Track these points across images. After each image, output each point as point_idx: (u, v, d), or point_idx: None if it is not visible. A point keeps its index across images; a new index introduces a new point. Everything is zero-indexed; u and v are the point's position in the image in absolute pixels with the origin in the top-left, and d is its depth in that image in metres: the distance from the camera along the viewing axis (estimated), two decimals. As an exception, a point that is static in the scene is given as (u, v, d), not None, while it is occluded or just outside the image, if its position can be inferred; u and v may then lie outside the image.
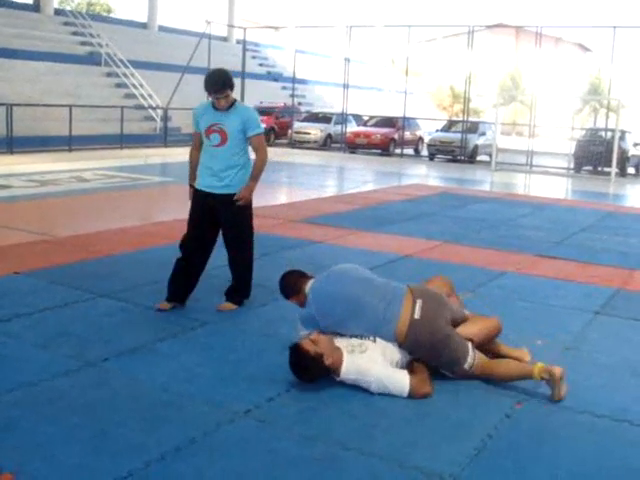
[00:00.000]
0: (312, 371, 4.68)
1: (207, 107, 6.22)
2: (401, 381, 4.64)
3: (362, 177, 20.91)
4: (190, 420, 4.21)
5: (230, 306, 6.46)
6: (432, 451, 3.96)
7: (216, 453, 3.85)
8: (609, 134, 25.04)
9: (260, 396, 4.59)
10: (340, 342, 4.87)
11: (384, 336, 4.87)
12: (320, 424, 4.25)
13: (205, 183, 6.24)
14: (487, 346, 5.12)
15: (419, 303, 4.88)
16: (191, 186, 6.42)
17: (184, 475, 3.59)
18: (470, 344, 4.88)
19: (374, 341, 4.85)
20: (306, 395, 4.65)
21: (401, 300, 4.92)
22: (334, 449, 3.95)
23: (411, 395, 4.61)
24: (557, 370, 4.68)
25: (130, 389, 4.63)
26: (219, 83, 5.99)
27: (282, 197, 16.05)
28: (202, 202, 6.27)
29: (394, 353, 4.84)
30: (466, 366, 4.83)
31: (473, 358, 4.84)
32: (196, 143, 6.37)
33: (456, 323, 5.00)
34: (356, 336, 4.92)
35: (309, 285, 5.21)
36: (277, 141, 31.91)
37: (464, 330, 4.97)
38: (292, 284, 5.34)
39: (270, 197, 15.37)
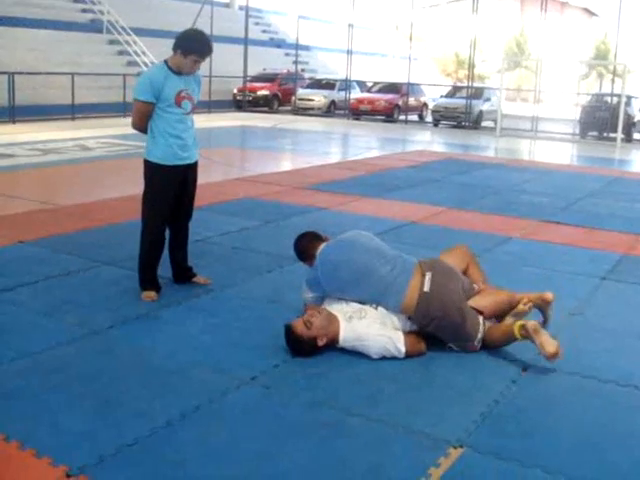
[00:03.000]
0: (307, 351, 4.68)
1: (166, 72, 5.54)
2: (398, 341, 4.65)
3: (366, 144, 20.84)
4: (195, 387, 4.21)
5: (204, 279, 6.21)
6: (438, 417, 3.96)
7: (222, 420, 3.85)
8: (615, 99, 24.87)
9: (266, 363, 4.58)
10: (338, 308, 4.88)
11: (389, 306, 4.85)
12: (326, 390, 4.25)
13: (179, 156, 5.67)
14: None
15: (428, 276, 4.83)
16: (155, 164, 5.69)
17: (189, 442, 3.59)
18: (481, 318, 4.85)
19: (376, 308, 4.85)
20: (312, 361, 4.64)
21: (411, 272, 4.88)
22: (340, 415, 3.95)
23: (407, 354, 4.66)
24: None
25: (135, 357, 4.62)
26: (210, 47, 5.59)
27: (286, 164, 16.01)
28: (175, 178, 5.70)
29: (395, 322, 4.82)
30: (476, 342, 4.81)
31: (482, 333, 4.82)
32: (148, 115, 5.61)
33: (467, 297, 4.95)
34: (346, 301, 4.94)
35: (320, 248, 5.20)
36: (280, 108, 31.79)
37: (474, 303, 4.91)
38: (304, 247, 5.36)
39: (274, 164, 15.35)
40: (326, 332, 4.69)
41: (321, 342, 4.67)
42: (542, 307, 5.05)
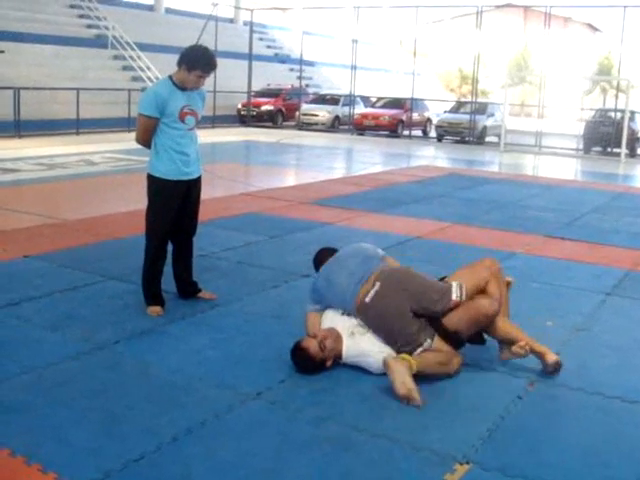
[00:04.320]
0: (314, 370, 4.69)
1: (171, 88, 5.58)
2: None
3: (370, 159, 20.86)
4: (201, 402, 4.21)
5: (209, 294, 6.21)
6: (444, 432, 3.95)
7: (227, 435, 3.85)
8: (618, 115, 24.89)
9: (271, 378, 4.58)
10: (340, 323, 4.89)
11: (351, 314, 4.90)
12: (331, 405, 4.25)
13: (183, 171, 5.69)
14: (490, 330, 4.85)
15: (376, 287, 4.75)
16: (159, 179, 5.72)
17: (195, 457, 3.59)
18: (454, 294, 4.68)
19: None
20: (317, 377, 4.64)
21: (366, 280, 4.83)
22: (346, 430, 3.95)
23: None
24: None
25: (140, 372, 4.63)
26: (214, 63, 5.60)
27: (290, 179, 16.04)
28: (178, 193, 5.71)
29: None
30: (418, 350, 4.61)
31: (430, 342, 4.62)
32: (152, 130, 5.63)
33: (436, 312, 4.67)
34: (345, 313, 4.95)
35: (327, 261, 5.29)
36: (285, 123, 31.85)
37: (446, 320, 4.66)
38: (319, 259, 5.42)
39: (278, 179, 15.38)
40: (335, 353, 4.72)
41: (329, 363, 4.70)
42: (543, 364, 4.83)
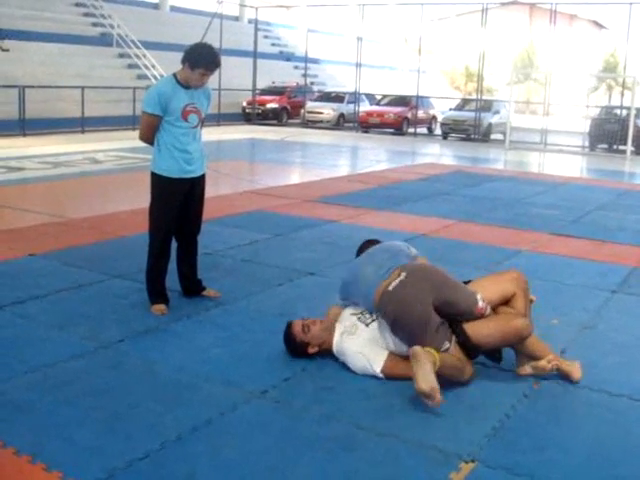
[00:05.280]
0: (297, 352, 4.86)
1: (174, 86, 5.58)
2: (374, 362, 4.60)
3: (375, 156, 20.85)
4: (206, 401, 4.20)
5: (214, 292, 6.21)
6: (449, 431, 3.94)
7: (232, 433, 3.84)
8: (624, 112, 24.83)
9: (276, 376, 4.58)
10: (343, 320, 4.91)
11: (367, 304, 4.83)
12: (336, 404, 4.24)
13: (185, 169, 5.69)
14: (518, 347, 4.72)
15: (401, 277, 4.65)
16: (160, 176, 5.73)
17: (200, 455, 3.59)
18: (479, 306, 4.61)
19: (367, 326, 4.80)
20: (322, 375, 4.64)
21: (390, 272, 4.73)
22: (350, 429, 3.94)
23: (387, 376, 4.58)
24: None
25: (145, 370, 4.63)
26: (218, 60, 5.59)
27: (296, 177, 16.04)
28: (180, 191, 5.72)
29: (389, 342, 4.68)
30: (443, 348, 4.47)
31: (449, 345, 4.50)
32: (155, 127, 5.65)
33: (459, 312, 4.61)
34: (357, 314, 4.90)
35: None
36: (290, 121, 31.84)
37: (472, 328, 4.57)
38: (359, 250, 5.43)
39: (283, 177, 15.38)
40: (320, 342, 4.80)
41: (312, 350, 4.81)
42: (565, 376, 4.74)
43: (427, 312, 4.51)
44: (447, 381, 4.44)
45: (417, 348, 4.26)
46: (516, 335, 4.54)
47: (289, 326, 4.91)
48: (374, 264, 4.88)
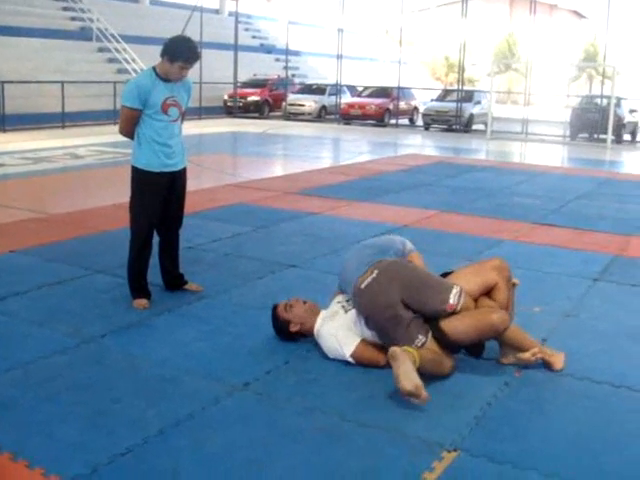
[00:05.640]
0: (281, 331, 5.05)
1: (154, 79, 5.54)
2: (344, 344, 4.64)
3: (357, 148, 20.85)
4: (188, 395, 4.20)
5: (196, 286, 6.20)
6: (432, 420, 3.95)
7: (215, 427, 3.84)
8: (605, 101, 24.94)
9: (259, 369, 4.58)
10: (328, 308, 5.00)
11: (350, 301, 4.88)
12: (319, 396, 4.24)
13: (165, 163, 5.66)
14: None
15: (374, 274, 4.66)
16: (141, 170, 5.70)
17: (183, 449, 3.58)
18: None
19: (346, 312, 4.84)
20: (304, 367, 4.65)
21: (368, 267, 4.73)
22: (333, 420, 3.95)
23: (357, 361, 4.64)
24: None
25: (127, 365, 4.61)
26: (196, 53, 5.57)
27: (277, 169, 16.01)
28: (161, 185, 5.69)
29: (364, 330, 4.70)
30: (417, 342, 4.44)
31: (424, 339, 4.47)
32: (135, 121, 5.61)
33: (428, 311, 4.56)
34: (342, 302, 4.95)
35: None
36: (271, 113, 31.78)
37: (447, 325, 4.53)
38: None
39: (265, 170, 15.35)
40: (302, 321, 4.93)
41: (294, 328, 4.97)
42: (547, 366, 4.75)
43: (395, 311, 4.51)
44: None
45: (395, 349, 4.24)
46: (491, 330, 4.50)
47: (275, 306, 5.10)
48: (359, 258, 4.89)
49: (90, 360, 4.67)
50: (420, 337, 4.46)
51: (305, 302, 5.03)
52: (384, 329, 4.57)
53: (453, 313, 4.52)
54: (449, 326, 4.50)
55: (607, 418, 4.12)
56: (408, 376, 4.06)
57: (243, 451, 3.60)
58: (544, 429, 3.94)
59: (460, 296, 4.55)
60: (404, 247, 5.14)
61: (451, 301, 4.52)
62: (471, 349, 4.76)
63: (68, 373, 4.46)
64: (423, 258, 5.16)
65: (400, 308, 4.52)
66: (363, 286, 4.65)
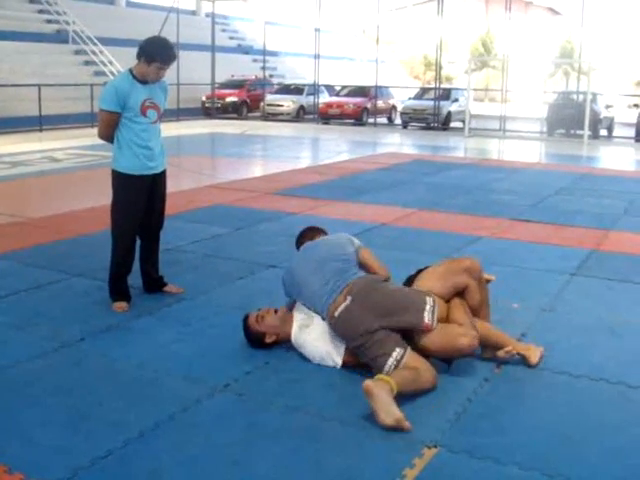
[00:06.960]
0: (255, 342, 4.92)
1: (131, 81, 5.51)
2: (335, 355, 4.64)
3: (336, 147, 20.86)
4: (168, 396, 4.19)
5: (176, 288, 6.16)
6: (412, 417, 3.95)
7: (196, 428, 3.84)
8: (581, 97, 25.09)
9: (239, 370, 4.58)
10: (299, 312, 4.94)
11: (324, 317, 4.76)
12: (299, 396, 4.25)
13: (147, 165, 5.63)
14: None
15: (347, 301, 4.56)
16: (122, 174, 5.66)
17: (164, 451, 3.58)
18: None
19: (323, 319, 4.77)
20: (285, 367, 4.65)
21: (339, 292, 4.64)
22: (314, 420, 3.95)
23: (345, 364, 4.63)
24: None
25: (107, 368, 4.60)
26: (173, 53, 5.55)
27: (256, 170, 15.99)
28: (142, 187, 5.65)
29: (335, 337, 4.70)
30: (389, 362, 4.32)
31: (401, 354, 4.35)
32: (114, 124, 5.57)
33: (405, 330, 4.48)
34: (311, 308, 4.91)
35: (303, 245, 5.32)
36: (250, 114, 31.73)
37: (421, 341, 4.47)
38: (299, 242, 5.49)
39: (244, 170, 15.33)
40: (276, 331, 4.85)
41: (269, 339, 4.86)
42: (524, 360, 4.76)
43: (371, 336, 4.40)
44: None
45: (368, 383, 3.99)
46: (460, 354, 4.51)
47: (245, 318, 4.98)
48: (320, 275, 4.79)
49: (69, 363, 4.66)
50: (398, 350, 4.34)
51: (276, 311, 4.94)
52: (360, 349, 4.47)
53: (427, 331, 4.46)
54: (421, 345, 4.47)
55: (586, 411, 4.15)
56: (387, 409, 3.89)
57: (224, 452, 3.60)
58: (524, 424, 3.96)
59: (433, 311, 4.47)
60: (354, 246, 5.09)
61: (426, 320, 4.44)
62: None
63: (47, 377, 4.44)
64: (373, 252, 5.18)
65: (374, 334, 4.40)
66: (337, 314, 4.56)
